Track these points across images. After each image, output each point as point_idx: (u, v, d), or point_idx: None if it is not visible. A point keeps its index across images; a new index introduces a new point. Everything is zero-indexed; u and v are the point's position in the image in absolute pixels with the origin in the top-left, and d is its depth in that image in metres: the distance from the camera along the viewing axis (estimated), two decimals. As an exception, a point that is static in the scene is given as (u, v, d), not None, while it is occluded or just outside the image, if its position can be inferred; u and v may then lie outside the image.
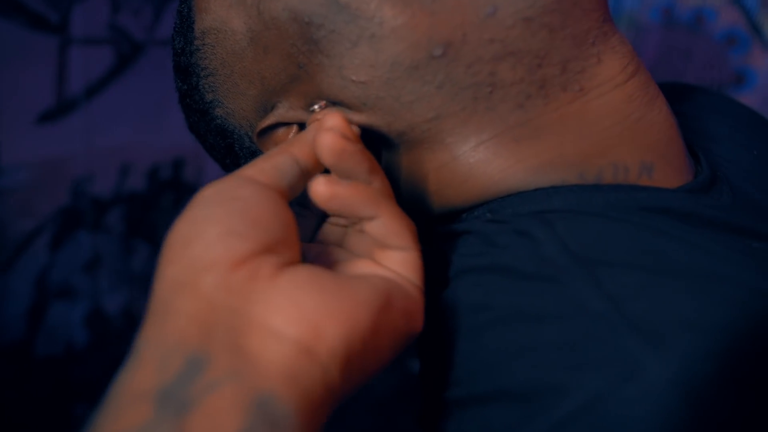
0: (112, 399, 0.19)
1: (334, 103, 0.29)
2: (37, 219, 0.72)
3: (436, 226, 0.31)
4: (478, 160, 0.29)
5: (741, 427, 0.20)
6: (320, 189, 0.24)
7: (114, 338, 0.86)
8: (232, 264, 0.21)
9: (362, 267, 0.26)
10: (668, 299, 0.22)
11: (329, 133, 0.24)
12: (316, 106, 0.30)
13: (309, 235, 0.29)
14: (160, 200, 0.83)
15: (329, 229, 0.29)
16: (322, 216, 0.29)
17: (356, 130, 0.28)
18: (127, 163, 0.79)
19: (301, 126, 0.30)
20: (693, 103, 0.40)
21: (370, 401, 1.24)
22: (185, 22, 0.33)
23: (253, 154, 0.33)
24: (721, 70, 1.00)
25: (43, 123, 0.68)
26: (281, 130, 0.31)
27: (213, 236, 0.22)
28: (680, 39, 1.01)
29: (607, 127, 0.28)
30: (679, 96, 0.39)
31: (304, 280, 0.22)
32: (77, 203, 0.76)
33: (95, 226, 0.79)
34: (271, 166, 0.25)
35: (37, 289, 0.77)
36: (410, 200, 0.31)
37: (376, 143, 0.30)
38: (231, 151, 0.34)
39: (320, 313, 0.21)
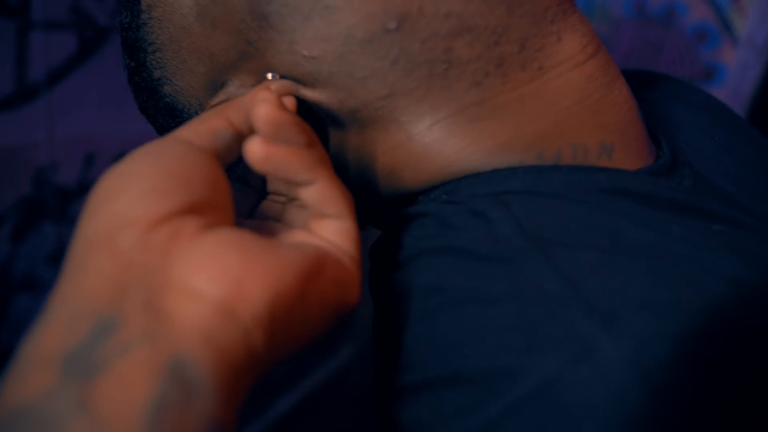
0: (17, 364, 0.18)
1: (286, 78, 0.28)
2: (-2, 209, 0.70)
3: (391, 210, 0.31)
4: (434, 140, 0.28)
5: (698, 408, 0.19)
6: (255, 149, 0.23)
7: (80, 331, 0.84)
8: (153, 222, 0.20)
9: (295, 236, 0.25)
10: (624, 279, 0.21)
11: (265, 103, 0.23)
12: (269, 75, 0.29)
13: (247, 211, 0.28)
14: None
15: (268, 206, 0.28)
16: (262, 193, 0.28)
17: (292, 101, 0.27)
18: (92, 152, 0.77)
19: None
20: (657, 90, 0.40)
21: (340, 394, 1.24)
22: None
23: None
24: (691, 64, 1.01)
25: (2, 110, 0.66)
26: None
27: (135, 193, 0.21)
28: (652, 33, 1.01)
29: (567, 107, 0.28)
30: (644, 83, 0.40)
31: (229, 241, 0.21)
32: (40, 193, 0.74)
33: (59, 216, 0.77)
34: (206, 128, 0.24)
35: (0, 281, 0.75)
36: (363, 182, 0.30)
37: (327, 123, 0.30)
38: None
39: (243, 273, 0.20)
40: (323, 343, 1.24)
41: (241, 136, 0.25)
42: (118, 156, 0.80)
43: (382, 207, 0.31)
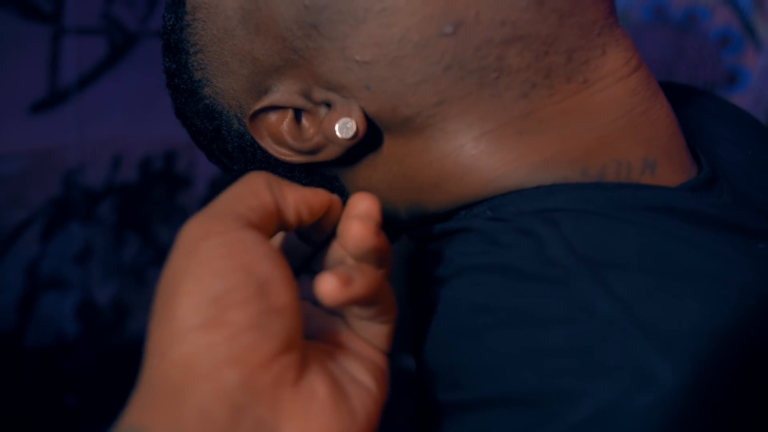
0: None
1: (331, 89, 0.28)
2: (29, 209, 0.72)
3: (433, 223, 0.30)
4: (482, 152, 0.28)
5: None
6: (331, 289, 0.21)
7: (104, 329, 0.86)
8: (259, 365, 0.20)
9: (355, 364, 0.24)
10: (677, 304, 0.21)
11: (359, 222, 0.22)
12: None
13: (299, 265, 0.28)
14: (152, 192, 0.82)
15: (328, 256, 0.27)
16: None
17: (378, 209, 0.25)
18: (119, 154, 0.79)
19: (297, 111, 0.30)
20: (690, 104, 0.39)
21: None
22: None
23: (240, 137, 0.32)
24: (714, 69, 1.01)
25: (35, 113, 0.68)
26: (274, 116, 0.30)
27: (241, 324, 0.20)
28: (673, 38, 1.01)
29: (611, 120, 0.28)
30: (676, 95, 0.39)
31: (324, 400, 0.21)
32: (69, 194, 0.76)
33: (87, 217, 0.79)
34: (263, 211, 0.23)
35: (28, 279, 0.77)
36: (406, 193, 0.30)
37: (376, 133, 0.30)
38: (218, 134, 0.33)
39: None
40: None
41: (284, 222, 0.24)
42: (145, 159, 0.81)
43: (421, 219, 0.31)
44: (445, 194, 0.29)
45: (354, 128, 0.28)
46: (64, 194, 0.75)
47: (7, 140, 0.66)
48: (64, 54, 0.68)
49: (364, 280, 0.22)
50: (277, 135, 0.30)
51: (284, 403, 0.20)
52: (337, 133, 0.28)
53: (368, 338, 0.25)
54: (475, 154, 0.28)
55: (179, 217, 0.84)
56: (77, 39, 0.69)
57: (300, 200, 0.24)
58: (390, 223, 0.32)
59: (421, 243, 0.31)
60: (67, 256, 0.80)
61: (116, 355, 0.87)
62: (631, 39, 0.29)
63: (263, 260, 0.21)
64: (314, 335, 0.25)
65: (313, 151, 0.30)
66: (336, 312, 0.25)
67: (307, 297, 0.26)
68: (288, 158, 0.30)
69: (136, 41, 0.75)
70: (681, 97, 0.40)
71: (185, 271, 0.21)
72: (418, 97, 0.28)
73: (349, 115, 0.28)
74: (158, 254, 0.86)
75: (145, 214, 0.83)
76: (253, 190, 0.23)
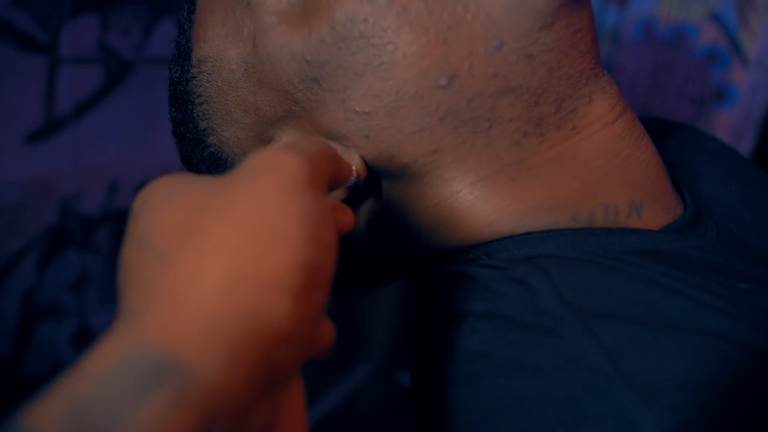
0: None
1: (332, 138, 0.30)
2: (25, 238, 0.72)
3: (431, 267, 0.31)
4: (477, 198, 0.29)
5: None
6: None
7: (102, 356, 0.85)
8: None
9: None
10: (660, 355, 0.22)
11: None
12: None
13: None
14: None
15: None
16: None
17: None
18: (115, 181, 0.79)
19: None
20: (674, 140, 0.41)
21: (359, 414, 1.24)
22: (183, 52, 0.34)
23: None
24: (702, 85, 1.02)
25: (31, 142, 0.68)
26: None
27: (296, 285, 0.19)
28: (662, 55, 1.02)
29: (598, 166, 0.29)
30: (660, 132, 0.40)
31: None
32: (65, 222, 0.76)
33: (83, 244, 0.79)
34: (329, 167, 0.24)
35: (25, 308, 0.77)
36: (405, 236, 0.31)
37: (375, 179, 0.31)
38: None
39: None
40: (337, 364, 1.25)
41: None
42: (140, 185, 0.81)
43: (420, 261, 0.32)
44: (443, 238, 0.30)
45: (355, 175, 0.29)
46: (61, 222, 0.75)
47: (3, 170, 0.66)
48: (59, 83, 0.68)
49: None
50: None
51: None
52: None
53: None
54: (471, 200, 0.29)
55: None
56: (73, 68, 0.69)
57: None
58: (390, 263, 0.33)
59: (421, 284, 0.32)
60: (63, 283, 0.79)
61: (114, 381, 0.86)
62: (616, 86, 0.30)
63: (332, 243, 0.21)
64: None
65: None
66: None
67: None
68: None
69: (131, 69, 0.75)
70: (663, 132, 0.41)
71: (282, 215, 0.19)
72: (415, 145, 0.29)
73: (350, 163, 0.29)
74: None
75: (142, 240, 0.83)
76: (338, 163, 0.25)
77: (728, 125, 0.98)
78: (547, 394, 0.22)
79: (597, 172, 0.29)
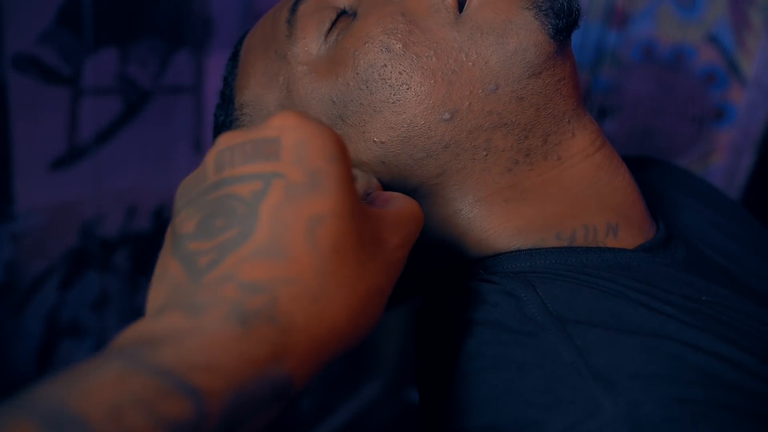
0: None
1: (354, 165, 0.35)
2: (49, 260, 0.75)
3: (435, 279, 0.36)
4: (476, 216, 0.34)
5: None
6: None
7: (120, 373, 0.88)
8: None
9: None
10: (622, 353, 0.27)
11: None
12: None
13: None
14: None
15: None
16: None
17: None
18: (134, 205, 0.82)
19: None
20: (654, 174, 0.46)
21: (369, 429, 1.25)
22: (226, 100, 0.39)
23: None
24: (702, 105, 1.04)
25: (55, 170, 0.71)
26: None
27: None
28: (662, 76, 1.05)
29: (580, 191, 0.34)
30: (644, 167, 0.46)
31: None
32: (86, 244, 0.79)
33: (103, 266, 0.82)
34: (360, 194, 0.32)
35: (48, 328, 0.80)
36: (418, 252, 0.36)
37: None
38: None
39: None
40: (347, 381, 1.26)
41: None
42: (158, 208, 0.85)
43: (427, 276, 0.36)
44: (445, 253, 0.35)
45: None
46: (82, 245, 0.78)
47: (29, 196, 0.70)
48: (82, 113, 0.72)
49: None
50: None
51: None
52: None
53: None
54: (471, 218, 0.35)
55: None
56: (94, 99, 0.73)
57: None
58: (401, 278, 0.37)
59: (429, 298, 0.36)
60: (84, 303, 0.83)
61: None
62: (596, 124, 0.36)
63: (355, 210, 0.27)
64: None
65: None
66: None
67: None
68: None
69: (149, 98, 0.79)
70: (648, 168, 0.47)
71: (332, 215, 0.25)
72: (423, 169, 0.34)
73: (369, 186, 0.34)
74: (171, 298, 0.89)
75: (159, 261, 0.86)
76: (368, 180, 0.32)
77: (727, 144, 1.00)
78: (529, 386, 0.27)
79: (579, 197, 0.34)
